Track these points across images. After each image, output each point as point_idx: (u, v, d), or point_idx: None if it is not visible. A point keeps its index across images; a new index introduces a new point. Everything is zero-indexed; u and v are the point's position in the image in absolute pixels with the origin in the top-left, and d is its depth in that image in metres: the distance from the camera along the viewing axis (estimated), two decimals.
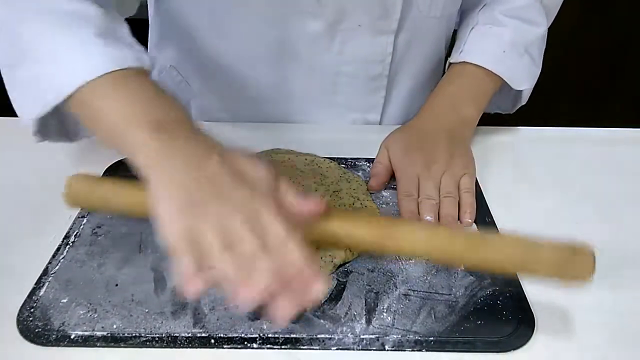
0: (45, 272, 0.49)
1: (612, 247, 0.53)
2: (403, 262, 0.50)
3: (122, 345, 0.43)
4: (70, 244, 0.52)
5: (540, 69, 0.71)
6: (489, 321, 0.45)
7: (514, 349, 0.43)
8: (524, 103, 0.73)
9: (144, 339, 0.43)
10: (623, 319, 0.46)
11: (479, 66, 0.67)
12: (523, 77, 0.69)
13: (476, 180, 0.60)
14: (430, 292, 0.47)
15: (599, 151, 0.69)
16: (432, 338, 0.43)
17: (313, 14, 0.64)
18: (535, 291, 0.47)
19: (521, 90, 0.70)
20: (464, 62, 0.68)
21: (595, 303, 0.47)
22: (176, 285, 0.42)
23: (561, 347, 0.44)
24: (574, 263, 0.40)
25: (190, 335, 0.43)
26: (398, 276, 0.49)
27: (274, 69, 0.70)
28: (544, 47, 0.72)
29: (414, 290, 0.47)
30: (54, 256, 0.51)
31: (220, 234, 0.37)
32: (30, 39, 0.49)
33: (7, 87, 0.51)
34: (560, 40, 0.63)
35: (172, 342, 0.43)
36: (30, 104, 0.50)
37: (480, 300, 0.47)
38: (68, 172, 0.61)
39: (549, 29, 0.72)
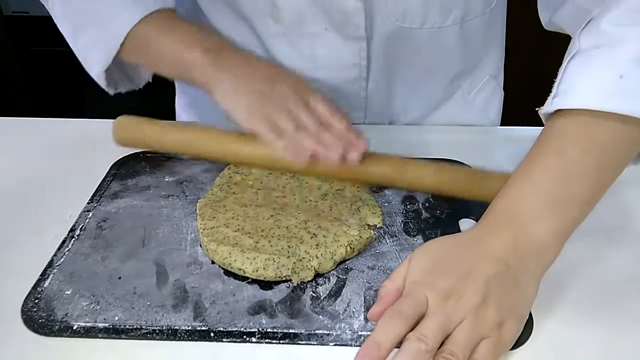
0: (50, 264, 0.50)
1: (612, 248, 0.53)
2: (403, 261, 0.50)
3: (123, 337, 0.43)
4: (76, 237, 0.53)
5: None
6: None
7: (513, 349, 0.43)
8: None
9: (145, 331, 0.44)
10: (622, 319, 0.46)
11: (582, 114, 0.44)
12: None
13: None
14: None
15: None
16: None
17: (272, 17, 0.64)
18: None
19: None
20: (558, 112, 0.46)
21: (593, 304, 0.47)
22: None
23: (560, 347, 0.44)
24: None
25: (190, 328, 0.44)
26: None
27: None
28: None
29: None
30: (59, 249, 0.51)
31: (288, 119, 0.52)
32: (79, 11, 0.61)
33: (75, 52, 0.62)
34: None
35: (172, 334, 0.43)
36: (95, 62, 0.61)
37: None
38: (68, 172, 0.62)
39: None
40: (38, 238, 0.53)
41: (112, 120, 0.60)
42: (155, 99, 0.72)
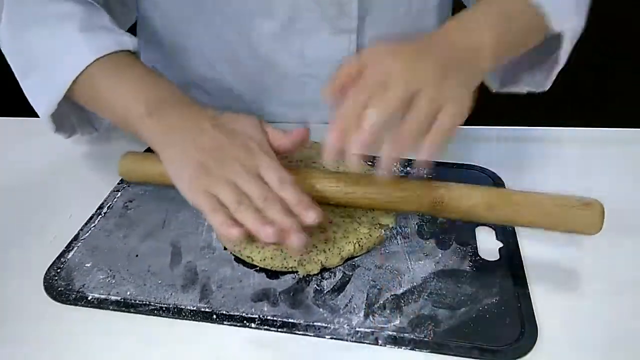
0: (76, 238, 0.53)
1: (611, 248, 0.52)
2: (412, 263, 0.50)
3: (132, 310, 0.46)
4: (103, 215, 0.56)
5: (585, 18, 0.57)
6: (489, 329, 0.44)
7: (516, 358, 0.42)
8: (561, 63, 0.58)
9: (153, 307, 0.46)
10: (625, 328, 0.45)
11: None
12: (565, 13, 0.54)
13: None
14: (434, 294, 0.47)
15: (598, 151, 0.67)
16: (427, 339, 0.43)
17: (266, 14, 0.64)
18: (542, 302, 0.46)
19: (559, 50, 0.55)
20: None
21: (598, 311, 0.46)
22: (217, 235, 0.49)
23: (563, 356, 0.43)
24: (582, 216, 0.46)
25: (194, 309, 0.46)
26: (404, 275, 0.49)
27: (238, 70, 0.71)
28: None
29: (417, 291, 0.47)
30: (86, 224, 0.55)
31: (231, 193, 0.45)
32: (29, 48, 0.56)
33: (26, 95, 0.58)
34: None
35: (178, 313, 0.45)
36: (41, 105, 0.56)
37: (485, 307, 0.46)
38: (68, 171, 0.63)
39: None
40: (40, 238, 0.54)
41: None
42: None
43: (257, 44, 0.68)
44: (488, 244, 0.53)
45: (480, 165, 0.63)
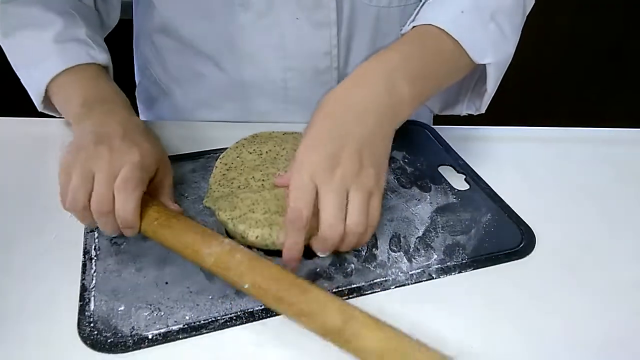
0: (84, 288, 0.48)
1: (611, 248, 0.55)
2: (413, 209, 0.57)
3: (203, 331, 0.44)
4: (95, 258, 0.51)
5: (512, 46, 0.59)
6: (500, 238, 0.54)
7: (528, 254, 0.52)
8: (489, 92, 0.60)
9: (223, 320, 0.45)
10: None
11: (433, 28, 0.55)
12: (486, 46, 0.56)
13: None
14: (445, 226, 0.55)
15: (599, 151, 0.69)
16: (464, 261, 0.51)
17: (241, 4, 0.64)
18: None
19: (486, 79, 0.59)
20: (414, 27, 0.57)
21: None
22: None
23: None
24: None
25: (264, 307, 0.46)
26: (415, 220, 0.55)
27: (222, 64, 0.71)
28: (519, 20, 0.60)
29: (432, 228, 0.54)
30: (83, 272, 0.49)
31: (83, 181, 0.48)
32: (14, 50, 0.63)
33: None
34: (558, 39, 0.63)
35: (251, 316, 0.45)
36: (33, 97, 0.64)
37: (487, 224, 0.55)
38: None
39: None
40: (38, 239, 0.53)
41: None
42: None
43: (236, 36, 0.66)
44: (455, 178, 0.62)
45: (420, 121, 0.72)
